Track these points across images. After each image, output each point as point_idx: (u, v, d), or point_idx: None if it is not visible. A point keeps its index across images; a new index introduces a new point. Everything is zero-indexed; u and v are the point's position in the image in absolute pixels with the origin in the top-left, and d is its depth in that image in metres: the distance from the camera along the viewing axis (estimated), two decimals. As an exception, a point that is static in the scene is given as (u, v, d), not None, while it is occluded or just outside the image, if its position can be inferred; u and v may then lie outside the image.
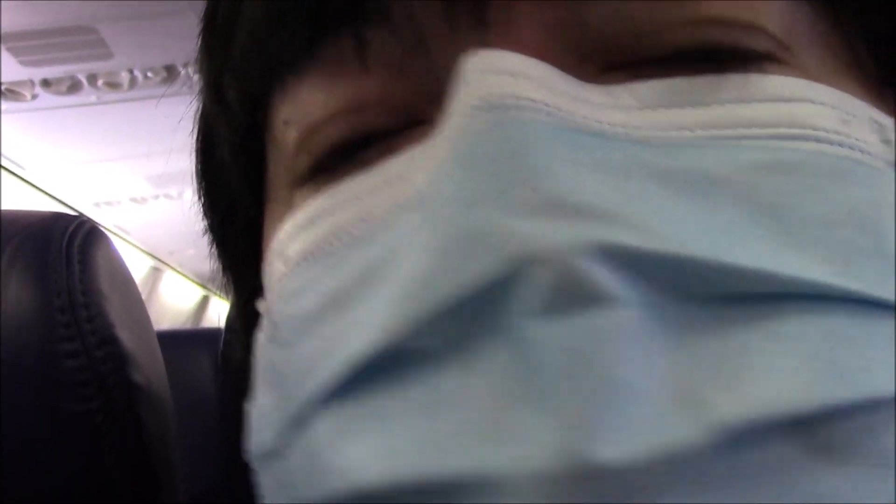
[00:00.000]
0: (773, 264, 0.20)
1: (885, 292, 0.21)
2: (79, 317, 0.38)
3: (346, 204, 0.26)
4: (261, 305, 0.30)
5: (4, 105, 2.22)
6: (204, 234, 0.38)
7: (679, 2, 0.24)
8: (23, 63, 2.03)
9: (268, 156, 0.32)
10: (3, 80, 2.10)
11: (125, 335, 0.40)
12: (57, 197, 3.07)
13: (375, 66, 0.26)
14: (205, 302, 5.48)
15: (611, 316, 0.19)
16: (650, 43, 0.25)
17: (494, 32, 0.25)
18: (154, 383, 0.42)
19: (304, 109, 0.28)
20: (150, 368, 0.42)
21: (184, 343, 0.90)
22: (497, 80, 0.22)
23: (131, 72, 2.17)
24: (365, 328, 0.22)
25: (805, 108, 0.23)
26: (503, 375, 0.20)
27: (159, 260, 4.30)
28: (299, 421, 0.24)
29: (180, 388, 0.54)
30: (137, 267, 4.05)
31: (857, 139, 0.23)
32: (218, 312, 5.34)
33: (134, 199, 3.25)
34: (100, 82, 2.20)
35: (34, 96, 2.22)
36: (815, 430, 0.20)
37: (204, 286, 5.22)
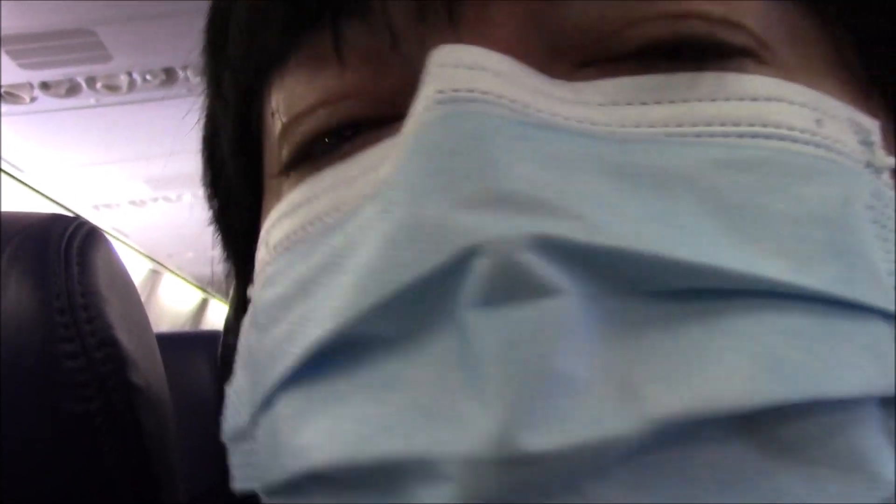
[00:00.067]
0: (724, 260, 0.20)
1: (849, 291, 0.21)
2: (78, 318, 0.38)
3: (323, 193, 0.27)
4: (250, 291, 0.31)
5: (3, 108, 2.22)
6: (209, 224, 0.39)
7: None
8: (22, 66, 2.03)
9: (263, 148, 0.33)
10: (2, 82, 2.10)
11: (125, 336, 0.40)
12: (56, 200, 3.07)
13: (353, 60, 0.27)
14: (203, 305, 5.48)
15: (549, 307, 0.19)
16: (625, 37, 0.25)
17: (467, 29, 0.25)
18: (153, 384, 0.42)
19: (288, 101, 0.29)
20: (150, 370, 0.42)
21: (182, 345, 0.90)
22: (455, 74, 0.22)
23: (130, 74, 2.17)
24: (322, 315, 0.23)
25: (777, 107, 0.24)
26: (446, 363, 0.21)
27: (158, 263, 4.30)
28: (265, 403, 0.26)
29: (179, 390, 0.54)
30: (136, 270, 4.05)
31: (830, 139, 0.23)
32: (217, 315, 5.34)
33: (133, 202, 3.24)
34: (98, 85, 2.19)
35: (33, 99, 2.22)
36: (770, 429, 0.20)
37: (203, 289, 5.22)
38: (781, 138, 0.23)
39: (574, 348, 0.19)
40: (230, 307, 0.46)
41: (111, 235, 3.32)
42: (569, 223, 0.20)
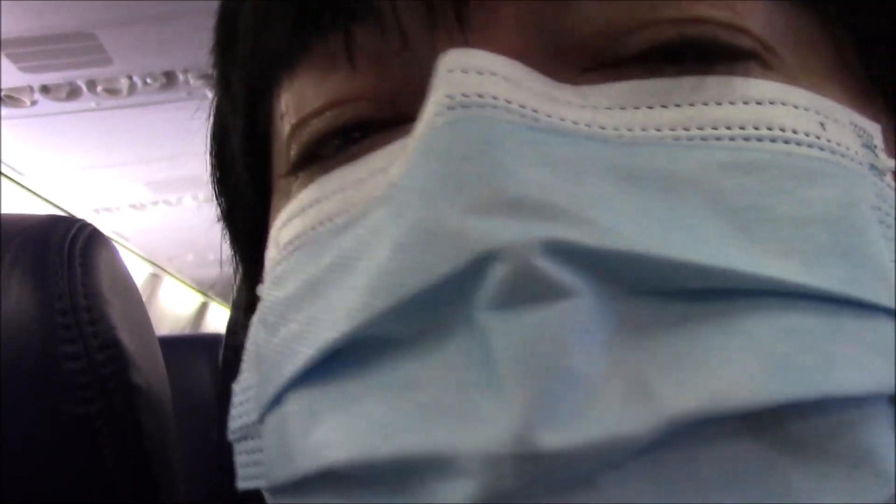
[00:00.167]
0: (733, 261, 0.21)
1: (857, 291, 0.21)
2: (80, 319, 0.38)
3: (332, 195, 0.27)
4: (259, 290, 0.31)
5: (4, 111, 2.22)
6: (215, 223, 0.39)
7: (660, 2, 0.25)
8: (22, 69, 2.04)
9: (272, 148, 0.33)
10: (2, 86, 2.10)
11: (127, 338, 0.40)
12: (56, 203, 3.07)
13: (363, 63, 0.27)
14: (203, 308, 5.47)
15: (564, 308, 0.20)
16: (631, 42, 0.25)
17: (475, 33, 0.25)
18: (154, 386, 0.42)
19: (297, 103, 0.29)
20: (151, 371, 0.42)
21: (183, 347, 0.90)
22: (464, 78, 0.23)
23: (130, 78, 2.17)
24: (334, 316, 0.24)
25: (781, 110, 0.24)
26: (462, 363, 0.21)
27: (158, 266, 4.30)
28: (274, 402, 0.26)
29: (179, 392, 0.54)
30: (136, 273, 4.04)
31: (834, 142, 0.24)
32: (217, 319, 5.34)
33: (133, 206, 3.24)
34: (99, 88, 2.20)
35: (34, 102, 2.22)
36: (780, 427, 0.20)
37: (203, 293, 5.21)
38: (787, 141, 0.23)
39: (588, 348, 0.20)
40: (235, 306, 0.46)
41: (111, 239, 3.31)
42: (580, 228, 0.20)
